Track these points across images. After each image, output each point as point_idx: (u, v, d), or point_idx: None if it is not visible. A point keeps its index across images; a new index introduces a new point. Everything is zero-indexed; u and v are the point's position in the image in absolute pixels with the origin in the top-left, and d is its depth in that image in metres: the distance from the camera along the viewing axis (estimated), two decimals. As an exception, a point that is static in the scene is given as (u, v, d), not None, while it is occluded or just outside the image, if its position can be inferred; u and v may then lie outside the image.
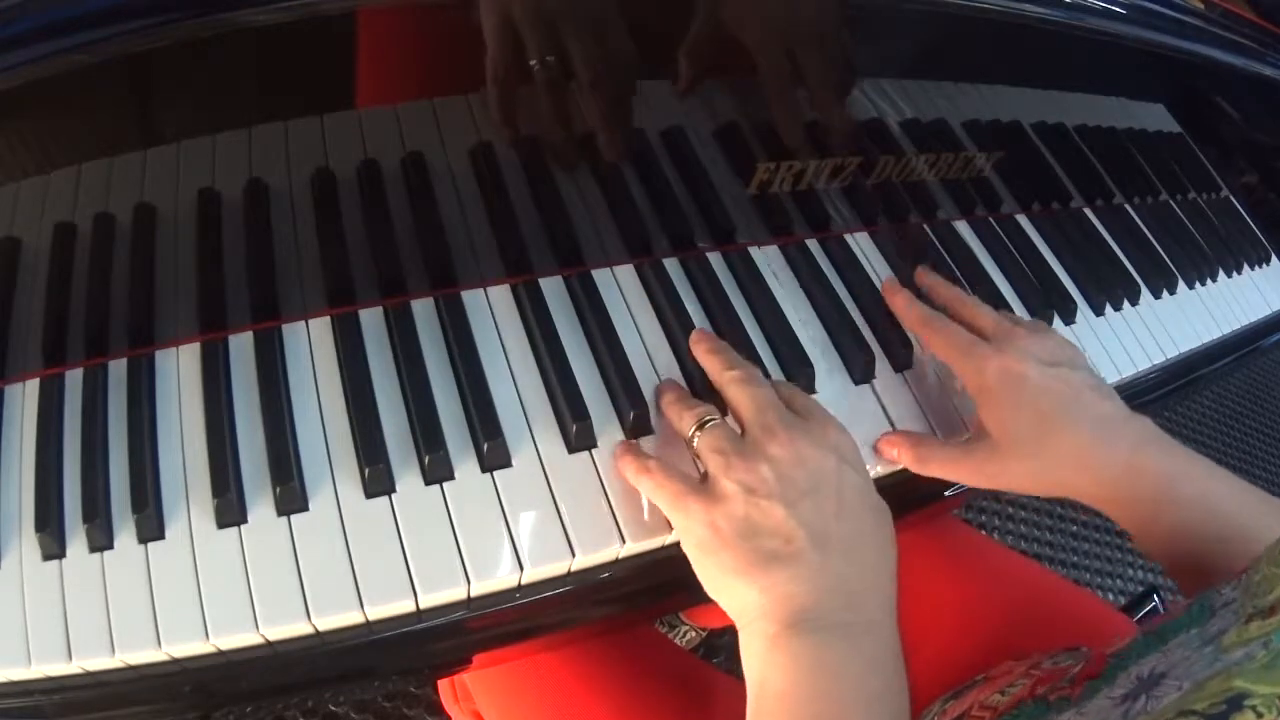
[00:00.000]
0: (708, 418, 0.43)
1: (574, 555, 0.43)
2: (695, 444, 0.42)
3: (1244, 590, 0.34)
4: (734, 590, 0.38)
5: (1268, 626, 0.29)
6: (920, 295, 0.55)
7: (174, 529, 0.40)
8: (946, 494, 0.55)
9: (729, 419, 0.44)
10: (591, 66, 0.44)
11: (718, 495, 0.39)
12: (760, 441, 0.40)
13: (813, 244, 0.59)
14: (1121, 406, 0.46)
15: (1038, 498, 1.47)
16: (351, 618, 0.40)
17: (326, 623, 0.40)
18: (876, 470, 0.50)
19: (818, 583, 0.37)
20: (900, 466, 0.51)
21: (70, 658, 0.37)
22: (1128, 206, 0.77)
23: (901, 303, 0.53)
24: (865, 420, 0.51)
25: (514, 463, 0.45)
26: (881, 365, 0.54)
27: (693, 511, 0.39)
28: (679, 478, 0.41)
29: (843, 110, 0.55)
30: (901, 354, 0.54)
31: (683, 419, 0.44)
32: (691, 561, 0.40)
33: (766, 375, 0.49)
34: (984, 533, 1.25)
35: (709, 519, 0.39)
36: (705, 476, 0.41)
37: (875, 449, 0.50)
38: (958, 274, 0.62)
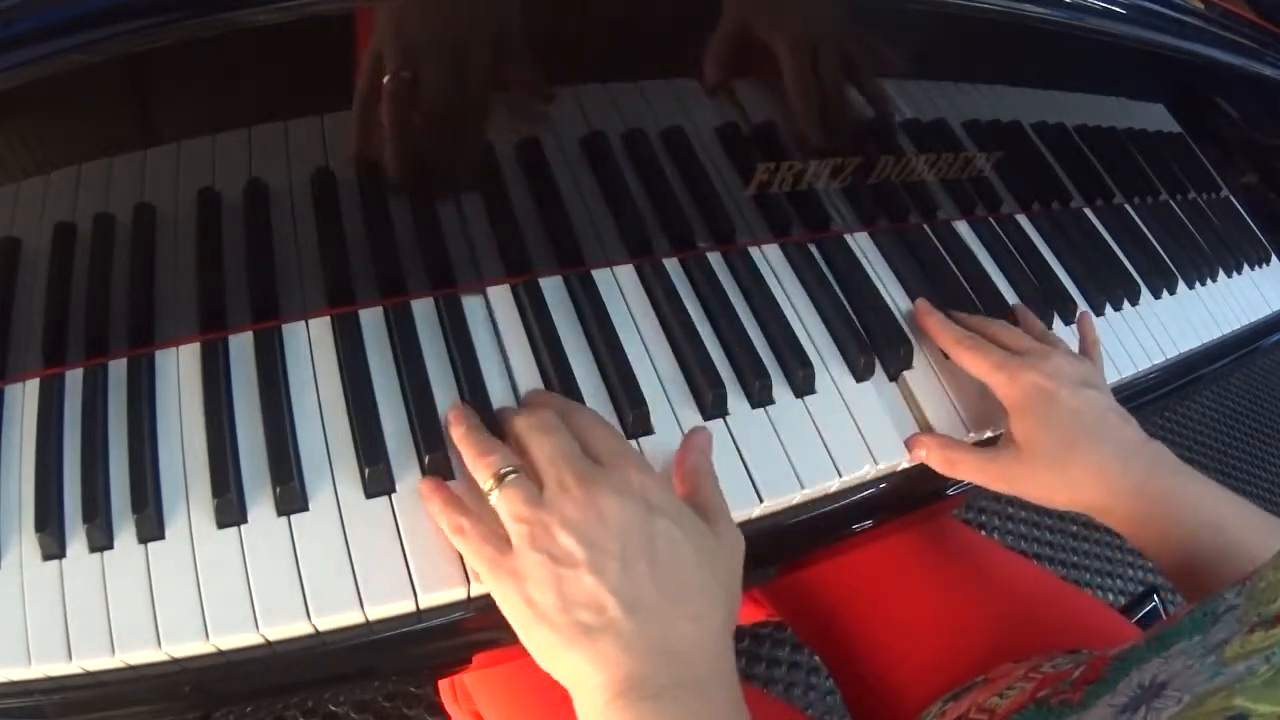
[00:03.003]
0: (504, 469, 0.40)
1: (574, 555, 0.43)
2: (494, 502, 0.40)
3: (1248, 596, 0.34)
4: (561, 662, 0.37)
5: (1270, 638, 0.29)
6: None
7: (174, 529, 0.40)
8: (950, 492, 0.55)
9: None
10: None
11: (525, 569, 0.37)
12: (557, 503, 0.38)
13: (813, 244, 0.59)
14: (1139, 432, 0.49)
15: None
16: (351, 618, 0.40)
17: (326, 623, 0.40)
18: (878, 469, 0.50)
19: (638, 649, 0.36)
20: (900, 467, 0.52)
21: (70, 658, 0.37)
22: (1128, 206, 0.77)
23: (934, 324, 0.55)
24: (867, 418, 0.51)
25: (514, 463, 0.45)
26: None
27: (506, 584, 0.38)
28: (492, 543, 0.39)
29: (848, 111, 0.55)
30: (902, 353, 0.54)
31: (477, 468, 0.41)
32: (516, 632, 0.38)
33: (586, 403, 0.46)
34: (984, 533, 1.25)
35: (523, 594, 0.37)
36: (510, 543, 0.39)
37: (906, 444, 0.51)
38: (958, 274, 0.62)
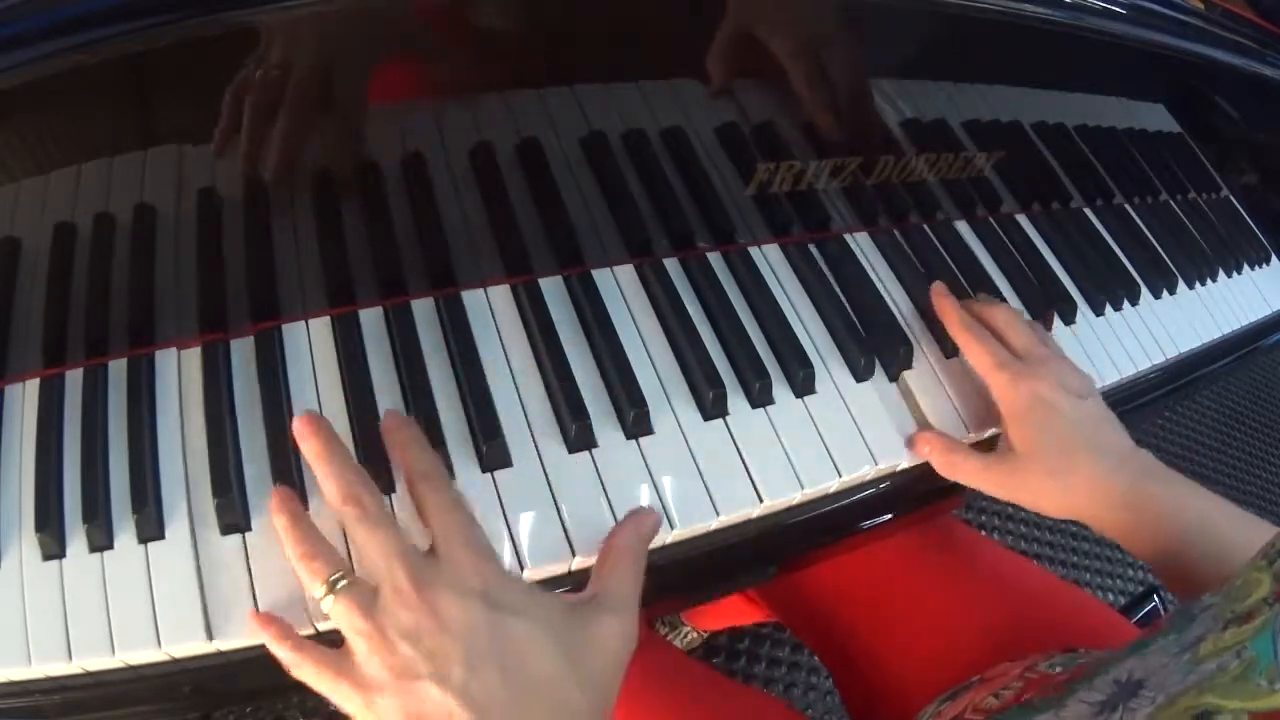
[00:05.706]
0: (336, 576, 0.36)
1: (574, 555, 0.43)
2: (327, 611, 0.36)
3: (1225, 596, 0.34)
4: None
5: (1242, 634, 0.29)
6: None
7: (174, 529, 0.40)
8: (951, 490, 0.55)
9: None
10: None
11: (369, 682, 0.35)
12: (394, 609, 0.35)
13: (813, 244, 0.59)
14: (1128, 440, 0.50)
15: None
16: (351, 618, 0.40)
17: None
18: (878, 469, 0.50)
19: None
20: (900, 467, 0.52)
21: (70, 658, 0.37)
22: (1128, 206, 0.77)
23: (947, 305, 0.55)
24: (867, 418, 0.51)
25: (514, 463, 0.45)
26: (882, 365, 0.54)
27: (352, 701, 0.35)
28: (329, 661, 0.36)
29: (848, 110, 0.55)
30: (902, 353, 0.54)
31: (305, 573, 0.37)
32: None
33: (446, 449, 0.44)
34: (984, 533, 1.25)
35: (369, 707, 0.35)
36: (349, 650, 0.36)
37: (907, 441, 0.52)
38: (958, 274, 0.62)
